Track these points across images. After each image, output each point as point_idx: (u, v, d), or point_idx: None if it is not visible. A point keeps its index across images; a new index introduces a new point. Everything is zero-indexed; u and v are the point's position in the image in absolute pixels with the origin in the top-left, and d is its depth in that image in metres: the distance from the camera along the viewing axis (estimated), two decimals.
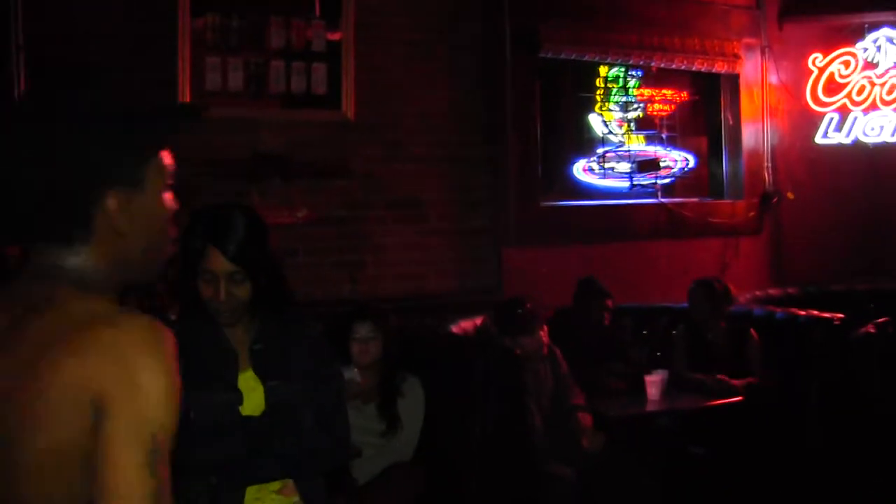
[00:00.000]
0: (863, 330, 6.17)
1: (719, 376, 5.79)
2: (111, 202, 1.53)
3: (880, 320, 6.29)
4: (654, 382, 5.60)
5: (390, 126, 6.47)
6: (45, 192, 1.51)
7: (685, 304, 6.25)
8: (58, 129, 1.52)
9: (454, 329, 5.59)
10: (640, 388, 5.63)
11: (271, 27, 6.06)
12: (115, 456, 1.38)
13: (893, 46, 8.12)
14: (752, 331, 6.06)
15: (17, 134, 1.54)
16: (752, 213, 8.15)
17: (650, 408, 5.58)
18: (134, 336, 1.44)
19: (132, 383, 1.40)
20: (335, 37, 6.23)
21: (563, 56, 7.22)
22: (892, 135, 8.14)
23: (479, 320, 5.75)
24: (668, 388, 5.67)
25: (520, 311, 5.40)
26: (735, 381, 5.75)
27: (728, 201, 8.16)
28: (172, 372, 1.45)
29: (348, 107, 6.25)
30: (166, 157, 1.62)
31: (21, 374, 1.44)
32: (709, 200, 8.15)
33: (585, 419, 5.39)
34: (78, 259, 1.54)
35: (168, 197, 1.63)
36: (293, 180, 6.11)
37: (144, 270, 1.64)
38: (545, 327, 5.42)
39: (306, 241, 6.11)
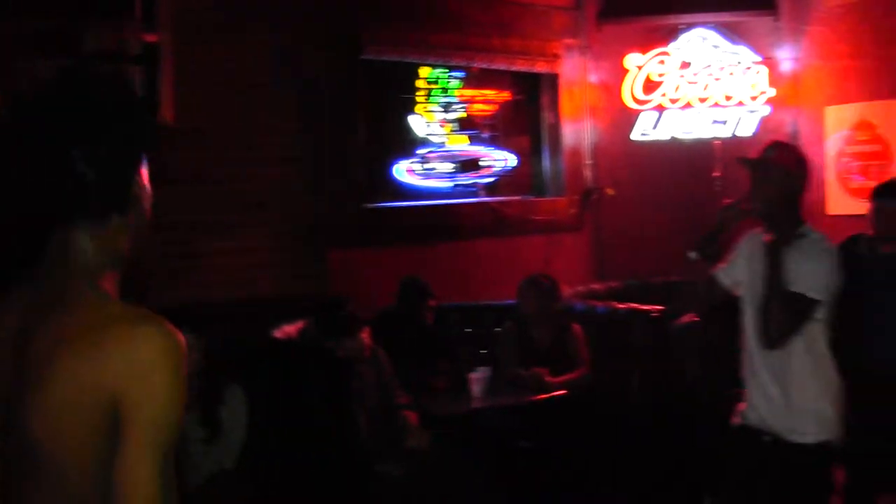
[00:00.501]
0: (684, 319, 6.35)
1: (536, 370, 5.88)
2: (143, 176, 1.70)
3: None
4: (477, 380, 5.70)
5: (212, 129, 6.30)
6: (99, 168, 1.60)
7: (512, 301, 6.34)
8: (99, 112, 1.62)
9: (277, 334, 5.56)
10: (466, 385, 5.73)
11: (84, 30, 5.87)
12: (132, 461, 1.42)
13: (706, 46, 8.41)
14: (574, 325, 6.20)
15: (65, 115, 1.61)
16: (573, 210, 8.35)
17: (475, 405, 5.67)
18: (151, 340, 1.49)
19: (151, 389, 1.46)
20: (152, 39, 6.07)
21: (384, 58, 7.25)
22: (706, 132, 8.42)
23: (302, 324, 5.72)
24: (494, 385, 5.77)
25: (340, 313, 5.41)
26: (554, 378, 5.86)
27: (549, 199, 8.33)
28: (183, 376, 1.51)
29: (167, 111, 6.09)
30: None
31: (38, 371, 1.47)
32: (531, 198, 8.29)
33: (411, 418, 5.45)
34: (104, 234, 1.62)
35: None
36: None
37: (144, 242, 1.75)
38: (367, 329, 5.44)
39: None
